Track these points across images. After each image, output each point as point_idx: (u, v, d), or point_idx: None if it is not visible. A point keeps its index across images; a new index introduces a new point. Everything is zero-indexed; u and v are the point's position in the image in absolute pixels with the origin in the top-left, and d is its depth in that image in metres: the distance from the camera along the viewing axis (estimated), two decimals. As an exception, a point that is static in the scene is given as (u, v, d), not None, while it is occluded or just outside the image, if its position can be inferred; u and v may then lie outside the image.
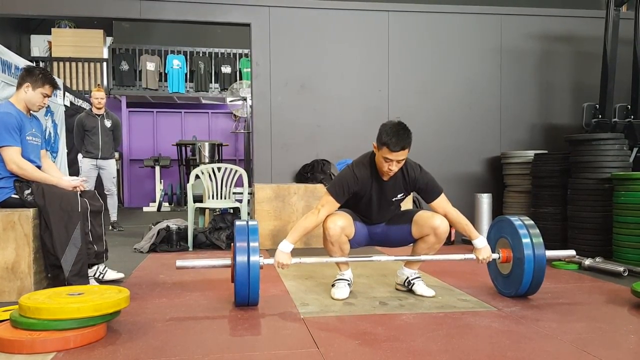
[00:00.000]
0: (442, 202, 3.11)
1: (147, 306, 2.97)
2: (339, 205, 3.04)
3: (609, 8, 5.18)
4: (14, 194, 3.22)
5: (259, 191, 5.24)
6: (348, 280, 3.24)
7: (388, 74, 6.01)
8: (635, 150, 4.90)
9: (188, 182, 5.54)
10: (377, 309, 2.91)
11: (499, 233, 3.25)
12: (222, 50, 11.28)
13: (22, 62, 5.71)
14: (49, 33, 11.12)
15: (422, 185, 3.09)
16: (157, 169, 11.11)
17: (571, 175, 4.74)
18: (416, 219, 3.14)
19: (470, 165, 6.12)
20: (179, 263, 2.93)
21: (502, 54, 6.18)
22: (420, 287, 3.22)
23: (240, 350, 2.29)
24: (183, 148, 11.14)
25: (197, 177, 5.46)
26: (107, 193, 6.45)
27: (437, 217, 3.07)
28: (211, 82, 11.24)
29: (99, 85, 9.89)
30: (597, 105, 5.24)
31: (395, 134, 2.84)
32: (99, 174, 6.44)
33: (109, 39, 11.43)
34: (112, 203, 6.53)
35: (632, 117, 5.12)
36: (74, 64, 10.80)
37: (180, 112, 12.58)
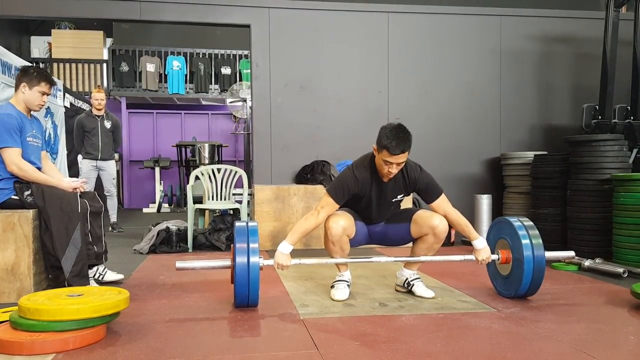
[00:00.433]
0: (442, 202, 3.11)
1: (147, 307, 2.97)
2: (338, 206, 3.05)
3: (609, 9, 5.18)
4: (14, 195, 3.22)
5: (259, 192, 5.24)
6: (347, 282, 3.24)
7: (388, 75, 6.02)
8: (635, 151, 4.89)
9: (188, 183, 5.54)
10: (376, 310, 2.91)
11: (499, 234, 3.25)
12: (222, 51, 11.28)
13: (22, 64, 5.71)
14: (49, 34, 11.12)
15: (422, 185, 3.09)
16: (157, 170, 11.11)
17: (571, 176, 4.74)
18: (415, 218, 3.14)
19: (470, 166, 6.12)
20: (179, 264, 2.93)
21: (501, 55, 6.19)
22: (419, 288, 3.22)
23: (240, 351, 2.29)
24: (183, 149, 11.15)
25: (197, 178, 5.46)
26: (106, 194, 6.45)
27: (436, 216, 3.08)
28: (211, 83, 11.24)
29: (99, 86, 9.90)
30: (597, 106, 5.24)
31: (396, 137, 2.84)
32: (98, 175, 6.44)
33: (109, 40, 11.44)
34: (112, 204, 6.53)
35: (632, 118, 5.12)
36: (74, 65, 10.81)
37: (180, 113, 12.58)
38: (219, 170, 5.49)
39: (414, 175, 3.08)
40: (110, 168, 6.49)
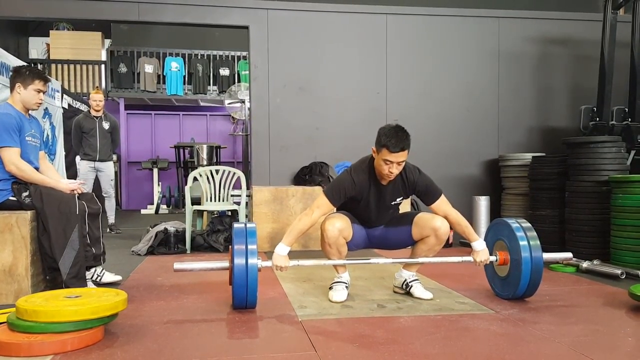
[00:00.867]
0: (442, 204, 3.11)
1: (145, 309, 2.97)
2: (333, 208, 3.05)
3: (607, 11, 5.20)
4: (12, 196, 3.22)
5: (257, 193, 5.24)
6: (346, 283, 3.23)
7: (386, 77, 6.02)
8: (632, 153, 4.91)
9: (186, 184, 5.54)
10: (375, 312, 2.91)
11: (497, 235, 3.25)
12: (221, 52, 11.28)
13: (20, 64, 5.70)
14: (47, 35, 11.11)
15: (422, 188, 3.09)
16: (155, 171, 11.10)
17: (569, 178, 4.75)
18: (416, 221, 3.14)
19: (469, 168, 6.13)
20: (177, 265, 2.93)
21: (500, 57, 6.20)
22: (418, 290, 3.22)
23: (238, 353, 2.29)
24: (181, 150, 11.14)
25: (195, 179, 5.45)
26: (104, 195, 6.43)
27: (438, 218, 3.08)
28: (209, 85, 11.24)
29: (97, 87, 9.89)
30: (595, 108, 5.25)
31: (395, 135, 2.85)
32: (96, 176, 6.43)
33: (107, 41, 11.43)
34: (110, 205, 6.52)
35: (630, 119, 5.13)
36: (72, 66, 10.80)
37: (179, 114, 12.58)
38: (217, 171, 5.49)
39: (413, 177, 3.08)
40: (108, 169, 6.48)
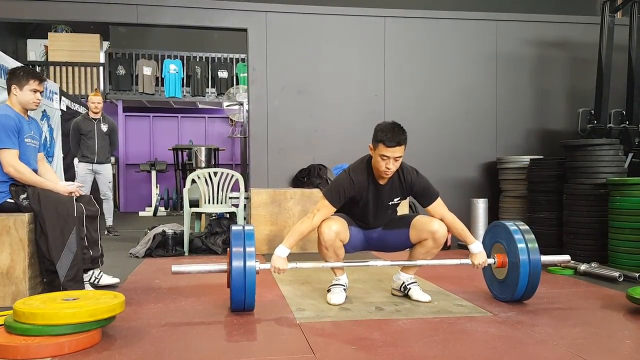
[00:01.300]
0: (438, 206, 3.12)
1: (143, 311, 2.97)
2: (335, 209, 3.05)
3: (604, 14, 5.21)
4: (10, 198, 3.21)
5: (256, 196, 5.24)
6: (344, 286, 3.23)
7: (384, 79, 6.03)
8: (630, 155, 4.91)
9: (184, 186, 5.54)
10: (373, 314, 2.91)
11: (495, 238, 3.26)
12: (219, 55, 11.29)
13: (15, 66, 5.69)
14: (46, 37, 11.12)
15: (419, 189, 3.10)
16: (153, 173, 11.09)
17: (567, 181, 4.75)
18: (414, 224, 3.14)
19: (467, 170, 6.13)
20: (175, 268, 2.92)
21: (497, 60, 6.21)
22: (416, 292, 3.22)
23: (236, 356, 2.29)
24: (179, 152, 11.14)
25: (193, 181, 5.45)
26: (102, 198, 6.43)
27: (436, 221, 3.08)
28: (208, 87, 11.25)
29: (95, 89, 9.88)
30: (593, 111, 5.26)
31: (391, 130, 2.88)
32: (94, 179, 6.42)
33: (106, 44, 11.44)
34: (108, 208, 6.52)
35: (627, 122, 5.14)
36: (70, 68, 10.80)
37: (177, 116, 12.58)
38: (215, 173, 5.49)
39: (410, 178, 3.08)
40: (106, 171, 6.47)
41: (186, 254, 5.09)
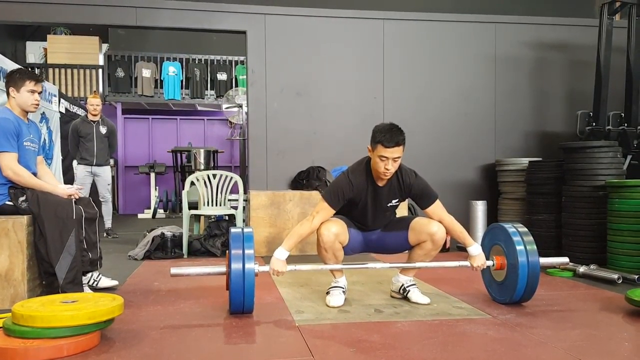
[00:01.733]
0: (437, 208, 3.12)
1: (141, 314, 2.96)
2: (334, 212, 3.05)
3: (603, 17, 5.22)
4: (9, 200, 3.21)
5: (254, 198, 5.24)
6: (343, 288, 3.23)
7: (383, 82, 6.03)
8: (629, 157, 4.93)
9: (183, 188, 5.54)
10: (372, 317, 2.91)
11: (493, 240, 3.26)
12: (218, 57, 11.30)
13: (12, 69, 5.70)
14: (45, 40, 11.12)
15: (417, 191, 3.10)
16: (152, 175, 11.09)
17: (565, 183, 4.76)
18: (413, 225, 3.14)
19: (465, 173, 6.13)
20: (174, 270, 2.93)
21: (496, 62, 6.22)
22: (415, 295, 3.22)
23: (235, 358, 2.29)
24: (178, 155, 11.13)
25: (192, 183, 5.45)
26: (101, 200, 6.42)
27: (434, 223, 3.08)
28: (207, 89, 11.26)
29: (94, 91, 9.88)
30: (591, 113, 5.27)
31: (389, 131, 2.89)
32: (93, 181, 6.42)
33: (105, 46, 11.44)
34: (107, 210, 6.51)
35: (626, 124, 5.15)
36: (69, 70, 10.80)
37: (176, 118, 12.58)
38: (214, 176, 5.49)
39: (409, 180, 3.09)
40: (105, 174, 6.47)
41: (185, 256, 5.09)
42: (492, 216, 5.74)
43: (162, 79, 10.98)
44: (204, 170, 9.57)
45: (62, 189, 3.31)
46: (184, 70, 11.11)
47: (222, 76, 11.24)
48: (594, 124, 5.20)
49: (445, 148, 6.08)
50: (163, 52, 11.11)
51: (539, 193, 5.06)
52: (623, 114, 5.23)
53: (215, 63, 11.29)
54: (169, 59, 11.08)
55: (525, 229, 3.15)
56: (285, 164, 5.81)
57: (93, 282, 3.53)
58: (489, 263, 3.15)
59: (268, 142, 5.81)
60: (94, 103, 6.41)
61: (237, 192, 5.48)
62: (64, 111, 7.87)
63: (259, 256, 4.99)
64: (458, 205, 5.39)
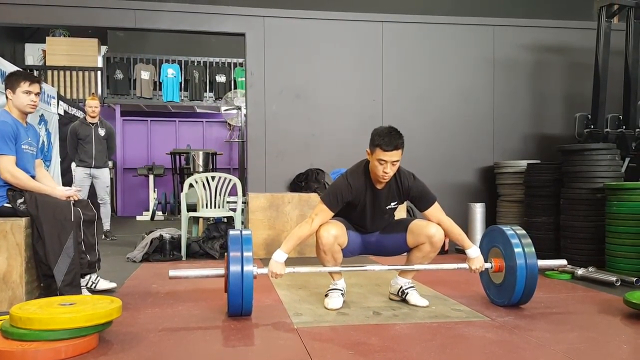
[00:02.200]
0: (435, 210, 3.12)
1: (140, 316, 2.96)
2: (332, 214, 3.05)
3: (601, 19, 5.23)
4: (7, 203, 3.21)
5: (253, 200, 5.24)
6: (341, 290, 3.23)
7: (382, 84, 6.04)
8: (627, 160, 4.93)
9: (182, 191, 5.53)
10: (370, 319, 2.91)
11: (492, 242, 3.26)
12: (217, 59, 11.31)
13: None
14: (44, 42, 11.12)
15: (416, 193, 3.10)
16: (151, 177, 11.08)
17: (564, 185, 4.76)
18: (411, 228, 3.14)
19: (464, 175, 6.14)
20: (172, 273, 2.92)
21: (495, 65, 6.23)
22: (413, 297, 3.22)
23: (233, 360, 2.28)
24: (177, 157, 11.13)
25: (190, 186, 5.45)
26: (100, 202, 6.42)
27: (433, 225, 3.09)
28: (206, 91, 11.26)
29: (93, 94, 9.88)
30: (589, 116, 5.28)
31: (388, 135, 2.89)
32: (92, 183, 6.41)
33: (104, 48, 11.44)
34: (105, 212, 6.50)
35: (624, 127, 5.16)
36: (68, 72, 10.80)
37: (175, 121, 12.57)
38: (213, 178, 5.49)
39: (407, 182, 3.09)
40: (103, 176, 6.47)
41: (184, 258, 5.08)
42: (491, 218, 5.74)
43: (160, 81, 10.98)
44: (202, 172, 9.56)
45: (61, 191, 3.31)
46: (182, 72, 11.11)
47: (221, 78, 11.24)
48: (592, 126, 5.20)
49: (443, 150, 6.09)
50: (162, 54, 11.11)
51: (538, 195, 5.07)
52: (621, 117, 5.24)
53: (214, 65, 11.30)
54: (168, 61, 11.08)
55: (524, 232, 3.15)
56: (284, 166, 5.81)
57: (91, 285, 3.52)
58: (488, 265, 3.15)
59: (267, 144, 5.82)
60: (93, 105, 6.40)
61: (236, 194, 5.48)
62: (62, 113, 7.88)
63: (258, 258, 4.99)
64: (456, 208, 5.40)
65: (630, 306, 2.93)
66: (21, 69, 3.97)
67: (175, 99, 10.97)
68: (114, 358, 2.26)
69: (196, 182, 5.42)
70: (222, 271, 2.90)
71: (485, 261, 3.17)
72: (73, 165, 6.80)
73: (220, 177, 5.49)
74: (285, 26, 5.90)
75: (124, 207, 12.03)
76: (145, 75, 10.87)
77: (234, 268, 2.76)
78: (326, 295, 3.23)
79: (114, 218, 8.44)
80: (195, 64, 11.20)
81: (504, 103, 6.23)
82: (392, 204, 3.15)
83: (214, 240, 5.28)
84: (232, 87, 11.13)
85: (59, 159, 7.67)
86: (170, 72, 10.94)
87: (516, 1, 10.70)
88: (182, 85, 11.12)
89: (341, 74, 5.99)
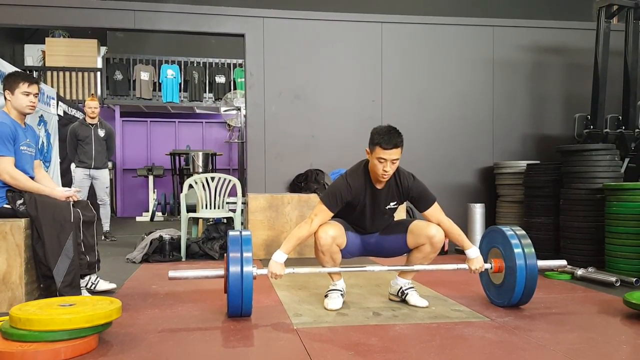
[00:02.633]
0: (435, 211, 3.12)
1: (139, 317, 2.96)
2: (332, 214, 3.05)
3: (600, 20, 5.23)
4: (6, 204, 3.20)
5: (253, 201, 5.24)
6: (341, 291, 3.23)
7: (382, 85, 6.04)
8: (626, 160, 4.93)
9: (181, 191, 5.53)
10: (370, 320, 2.91)
11: (491, 243, 3.26)
12: (216, 60, 11.31)
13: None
14: (43, 42, 11.12)
15: (415, 193, 3.10)
16: (151, 178, 11.08)
17: (563, 186, 4.77)
18: (411, 229, 3.14)
19: (463, 176, 6.14)
20: (172, 274, 2.92)
21: (494, 65, 6.23)
22: (413, 298, 3.22)
23: (233, 361, 2.28)
24: (177, 157, 11.13)
25: (190, 186, 5.45)
26: (99, 203, 6.42)
27: (433, 226, 3.09)
28: (205, 92, 11.26)
29: (92, 94, 9.88)
30: (589, 116, 5.28)
31: (387, 133, 2.90)
32: (91, 184, 6.41)
33: (103, 49, 11.44)
34: (105, 213, 6.50)
35: (623, 127, 5.16)
36: (67, 73, 10.80)
37: (174, 121, 12.58)
38: (212, 178, 5.49)
39: (407, 183, 3.09)
40: (103, 177, 6.47)
41: (183, 259, 5.08)
42: (490, 219, 5.75)
43: (160, 81, 10.98)
44: (202, 173, 9.57)
45: (60, 192, 3.31)
46: (182, 73, 11.12)
47: (220, 79, 11.24)
48: (591, 127, 5.21)
49: (443, 151, 6.09)
50: (161, 55, 11.12)
51: (537, 196, 5.07)
52: (620, 117, 5.25)
53: (213, 66, 11.30)
54: (168, 62, 11.08)
55: (523, 232, 3.15)
56: (283, 167, 5.81)
57: (91, 285, 3.52)
58: (487, 266, 3.15)
59: (266, 145, 5.82)
60: (92, 106, 6.40)
61: (236, 195, 5.48)
62: (62, 114, 7.88)
63: (257, 259, 4.99)
64: (456, 208, 5.41)
65: (630, 306, 2.93)
66: (20, 70, 3.96)
67: (174, 100, 10.97)
68: (113, 359, 2.26)
69: (196, 182, 5.42)
70: (221, 272, 2.90)
71: (485, 262, 3.17)
72: (72, 166, 6.80)
73: (219, 178, 5.49)
74: (285, 27, 5.90)
75: (123, 207, 12.03)
76: (144, 76, 10.87)
77: (234, 269, 2.76)
78: (326, 296, 3.23)
79: (113, 219, 8.45)
80: (195, 65, 11.20)
81: (503, 103, 6.24)
82: (392, 204, 3.15)
83: (213, 241, 5.28)
84: (232, 87, 11.13)
85: (59, 160, 7.67)
86: (170, 72, 10.94)
87: (515, 2, 10.73)
88: (182, 86, 11.13)
89: (341, 74, 6.00)
